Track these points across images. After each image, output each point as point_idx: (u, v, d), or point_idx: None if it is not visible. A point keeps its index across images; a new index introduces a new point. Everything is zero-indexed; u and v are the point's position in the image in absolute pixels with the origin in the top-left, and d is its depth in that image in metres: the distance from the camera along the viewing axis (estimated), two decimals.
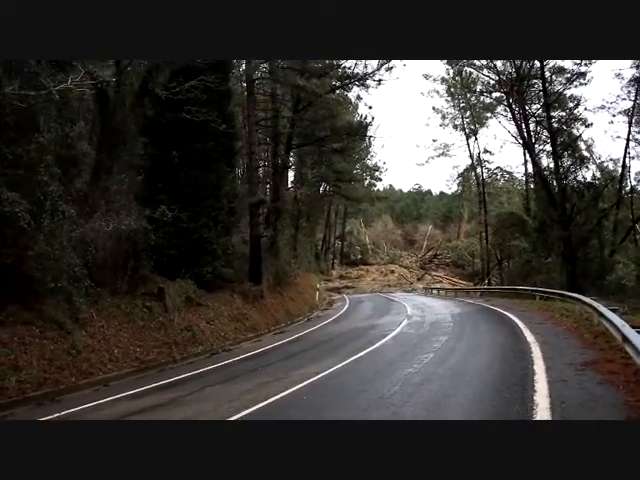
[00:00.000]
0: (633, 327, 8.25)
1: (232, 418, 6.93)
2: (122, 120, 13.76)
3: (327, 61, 23.23)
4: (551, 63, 29.93)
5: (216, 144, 16.46)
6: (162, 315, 13.52)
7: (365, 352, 11.96)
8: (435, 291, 40.41)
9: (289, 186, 33.35)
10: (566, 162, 29.28)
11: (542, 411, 6.01)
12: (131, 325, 12.45)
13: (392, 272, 56.42)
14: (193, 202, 15.49)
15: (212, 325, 15.43)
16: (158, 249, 14.08)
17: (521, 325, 14.13)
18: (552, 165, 29.99)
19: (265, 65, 23.92)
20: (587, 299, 13.74)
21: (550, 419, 5.70)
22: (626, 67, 28.11)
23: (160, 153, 15.29)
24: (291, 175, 36.33)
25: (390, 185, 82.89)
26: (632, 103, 28.20)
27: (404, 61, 24.17)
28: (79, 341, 10.61)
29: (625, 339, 7.99)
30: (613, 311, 10.53)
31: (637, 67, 26.91)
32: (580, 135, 30.46)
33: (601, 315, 10.94)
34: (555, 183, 29.19)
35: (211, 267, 16.37)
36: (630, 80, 27.77)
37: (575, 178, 29.14)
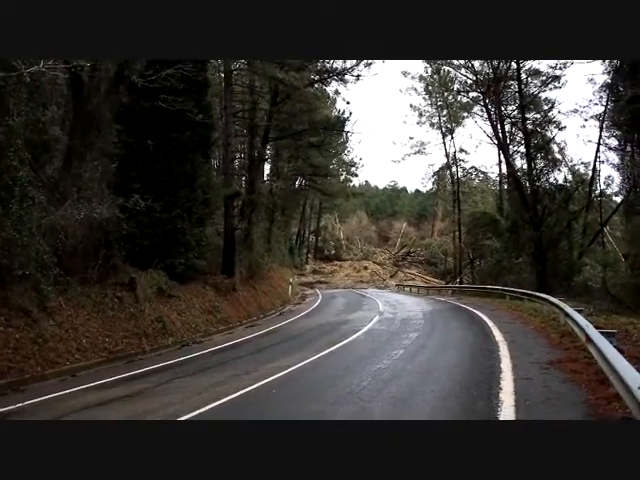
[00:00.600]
0: (597, 328, 8.49)
1: (201, 410, 6.93)
2: (96, 106, 13.50)
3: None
4: (527, 65, 30.59)
5: (192, 134, 16.33)
6: (132, 306, 13.40)
7: (336, 347, 12.05)
8: (407, 288, 40.82)
9: (265, 179, 33.33)
10: (539, 164, 29.94)
11: (507, 408, 6.16)
12: (100, 315, 12.31)
13: (365, 268, 56.83)
14: (167, 192, 15.36)
15: (183, 317, 15.35)
16: (130, 239, 13.93)
17: (490, 324, 14.41)
18: (525, 166, 30.70)
19: None
20: (554, 299, 14.07)
21: (514, 417, 5.84)
22: (599, 73, 28.81)
23: (135, 141, 15.10)
24: (267, 168, 36.35)
25: (366, 181, 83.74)
26: (603, 108, 28.86)
27: (391, 60, 24.47)
28: (46, 330, 10.44)
29: (588, 339, 8.22)
30: (579, 312, 10.79)
31: (609, 73, 27.56)
32: (553, 138, 31.24)
33: (567, 315, 11.21)
34: (528, 184, 29.80)
35: (184, 258, 16.27)
36: (602, 86, 28.42)
37: (547, 180, 29.85)
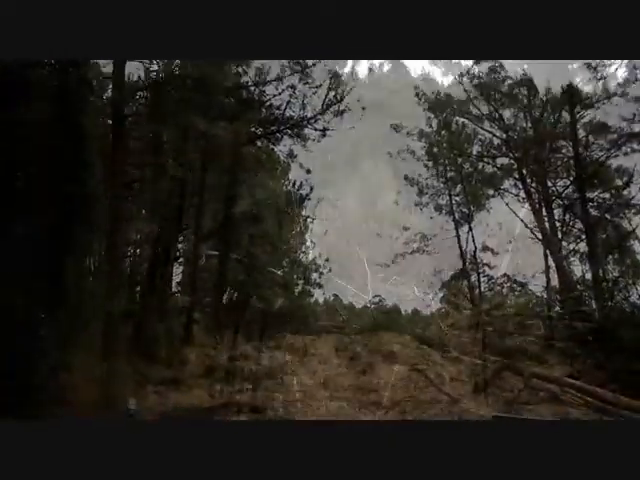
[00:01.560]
0: None
1: None
2: None
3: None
4: (586, 116, 30.82)
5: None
6: None
7: None
8: None
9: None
10: (611, 272, 29.78)
11: None
12: None
13: None
14: None
15: None
16: None
17: None
18: (589, 275, 30.29)
19: (145, 92, 23.91)
20: None
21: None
22: None
23: None
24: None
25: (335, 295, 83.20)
26: None
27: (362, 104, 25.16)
28: None
29: None
30: None
31: None
32: (634, 230, 30.98)
33: None
34: (594, 304, 29.48)
35: None
36: None
37: (627, 297, 29.54)
